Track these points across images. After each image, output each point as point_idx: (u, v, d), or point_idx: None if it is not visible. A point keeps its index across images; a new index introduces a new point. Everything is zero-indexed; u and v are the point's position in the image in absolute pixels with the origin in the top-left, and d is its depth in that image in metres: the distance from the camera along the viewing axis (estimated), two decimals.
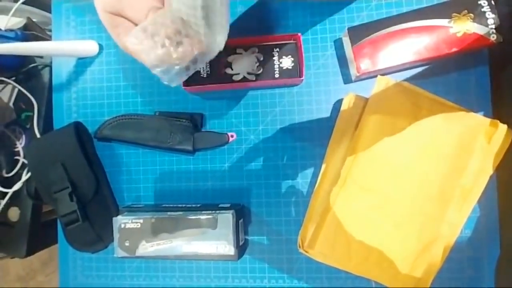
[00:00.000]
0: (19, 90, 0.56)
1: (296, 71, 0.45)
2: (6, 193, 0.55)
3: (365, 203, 0.42)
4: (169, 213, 0.42)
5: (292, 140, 0.46)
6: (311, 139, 0.46)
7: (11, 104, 0.58)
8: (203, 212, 0.42)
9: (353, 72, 0.43)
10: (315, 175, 0.45)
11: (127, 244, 0.42)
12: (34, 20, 0.61)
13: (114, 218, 0.43)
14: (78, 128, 0.48)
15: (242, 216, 0.45)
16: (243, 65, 0.45)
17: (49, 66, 0.55)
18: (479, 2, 0.40)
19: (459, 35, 0.40)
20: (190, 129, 0.46)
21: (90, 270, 0.49)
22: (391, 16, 0.42)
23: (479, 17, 0.40)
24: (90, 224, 0.46)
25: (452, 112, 0.41)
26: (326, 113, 0.46)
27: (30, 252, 0.58)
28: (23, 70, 0.56)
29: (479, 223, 0.43)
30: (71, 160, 0.47)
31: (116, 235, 0.43)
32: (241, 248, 0.43)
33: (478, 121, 0.41)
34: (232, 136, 0.46)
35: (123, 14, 0.33)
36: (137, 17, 0.32)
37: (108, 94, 0.50)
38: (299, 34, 0.43)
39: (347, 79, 0.46)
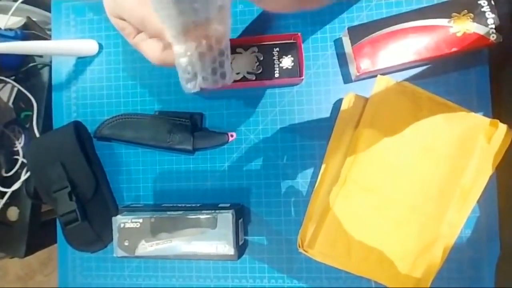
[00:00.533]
0: (18, 89, 0.56)
1: (296, 71, 0.45)
2: (5, 192, 0.55)
3: (365, 203, 0.42)
4: (168, 212, 0.42)
5: (292, 139, 0.46)
6: (311, 139, 0.46)
7: (10, 103, 0.58)
8: (202, 211, 0.41)
9: (353, 71, 0.43)
10: (315, 175, 0.45)
11: (126, 244, 0.42)
12: (33, 19, 0.61)
13: (113, 218, 0.43)
14: (77, 127, 0.48)
15: (242, 216, 0.45)
16: (243, 64, 0.45)
17: (49, 65, 0.55)
18: (479, 2, 0.40)
19: (459, 35, 0.40)
20: (190, 129, 0.46)
21: (89, 270, 0.49)
22: (391, 16, 0.42)
23: (479, 17, 0.40)
24: (90, 224, 0.46)
25: (452, 112, 0.41)
26: (326, 113, 0.46)
27: (29, 252, 0.58)
28: (23, 69, 0.56)
29: (479, 223, 0.42)
30: (70, 159, 0.46)
31: (115, 235, 0.42)
32: (240, 248, 0.42)
33: (478, 121, 0.41)
34: (232, 135, 0.46)
35: (123, 18, 0.33)
36: (133, 23, 0.33)
37: (108, 93, 0.50)
38: (299, 33, 0.43)
39: (347, 79, 0.46)
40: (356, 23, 0.44)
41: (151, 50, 0.33)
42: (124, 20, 0.34)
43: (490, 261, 0.42)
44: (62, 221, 0.46)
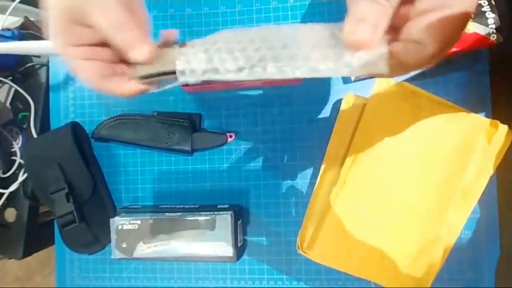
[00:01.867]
0: (16, 89, 0.56)
1: None
2: (3, 193, 0.55)
3: (364, 204, 0.42)
4: (167, 214, 0.42)
5: (291, 140, 0.46)
6: (310, 140, 0.45)
7: (8, 104, 0.58)
8: (201, 213, 0.41)
9: None
10: (314, 176, 0.45)
11: (124, 245, 0.42)
12: (31, 19, 0.61)
13: (111, 219, 0.43)
14: (75, 128, 0.48)
15: (241, 217, 0.44)
16: None
17: (46, 65, 0.55)
18: (479, 2, 0.40)
19: None
20: (189, 129, 0.46)
21: (88, 271, 0.49)
22: None
23: (479, 17, 0.40)
24: (87, 225, 0.46)
25: (452, 113, 0.41)
26: (325, 114, 0.45)
27: (27, 253, 0.57)
28: (20, 69, 0.56)
29: (479, 224, 0.42)
30: (68, 160, 0.46)
31: (113, 237, 0.42)
32: (239, 249, 0.42)
33: (478, 121, 0.41)
34: (230, 136, 0.46)
35: (86, 18, 0.26)
36: (106, 17, 0.26)
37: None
38: None
39: (346, 79, 0.45)
40: None
41: (87, 72, 0.28)
42: (82, 24, 0.26)
43: (490, 262, 0.42)
44: (59, 223, 0.46)
